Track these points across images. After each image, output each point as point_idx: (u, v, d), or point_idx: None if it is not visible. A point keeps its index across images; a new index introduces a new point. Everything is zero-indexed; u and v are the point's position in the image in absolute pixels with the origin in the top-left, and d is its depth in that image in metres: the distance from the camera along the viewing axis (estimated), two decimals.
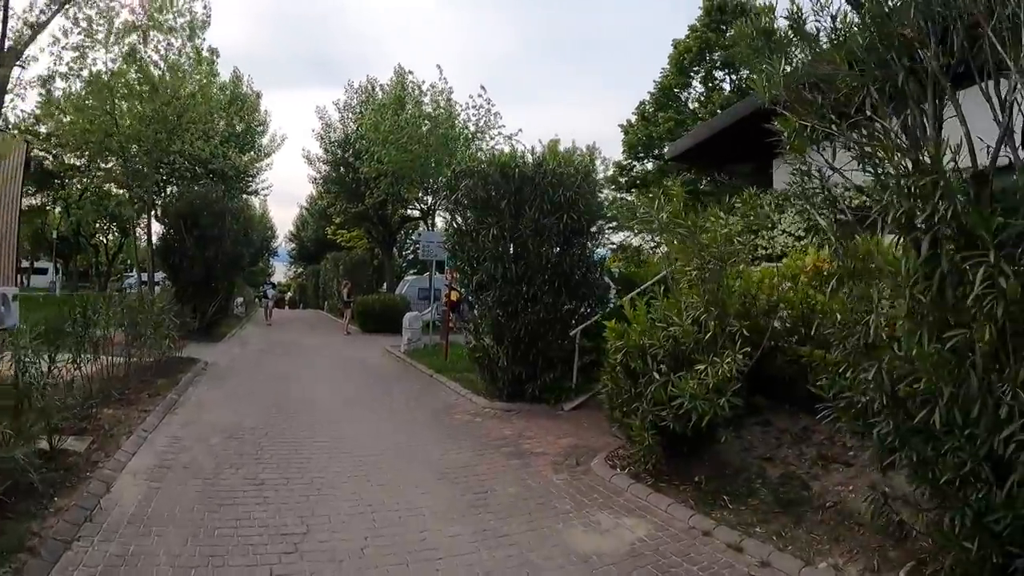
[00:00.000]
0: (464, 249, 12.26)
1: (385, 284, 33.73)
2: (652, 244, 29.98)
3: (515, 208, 11.56)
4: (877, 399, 4.57)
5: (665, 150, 28.32)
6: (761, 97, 5.29)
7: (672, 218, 8.16)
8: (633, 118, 31.75)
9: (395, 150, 23.70)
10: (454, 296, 25.83)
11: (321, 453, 8.26)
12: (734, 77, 29.02)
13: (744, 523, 6.07)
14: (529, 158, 12.13)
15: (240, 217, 21.82)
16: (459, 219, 12.37)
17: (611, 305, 12.45)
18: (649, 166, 31.53)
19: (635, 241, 31.20)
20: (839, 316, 5.13)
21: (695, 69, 29.13)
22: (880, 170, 4.76)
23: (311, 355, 18.18)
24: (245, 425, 9.43)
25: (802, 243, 13.36)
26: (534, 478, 7.68)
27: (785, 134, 5.24)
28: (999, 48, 4.07)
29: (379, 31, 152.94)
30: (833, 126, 4.94)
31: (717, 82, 29.19)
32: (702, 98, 29.71)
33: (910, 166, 4.50)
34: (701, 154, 16.77)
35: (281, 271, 79.95)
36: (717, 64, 28.88)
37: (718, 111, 26.67)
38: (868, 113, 4.71)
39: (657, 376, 7.09)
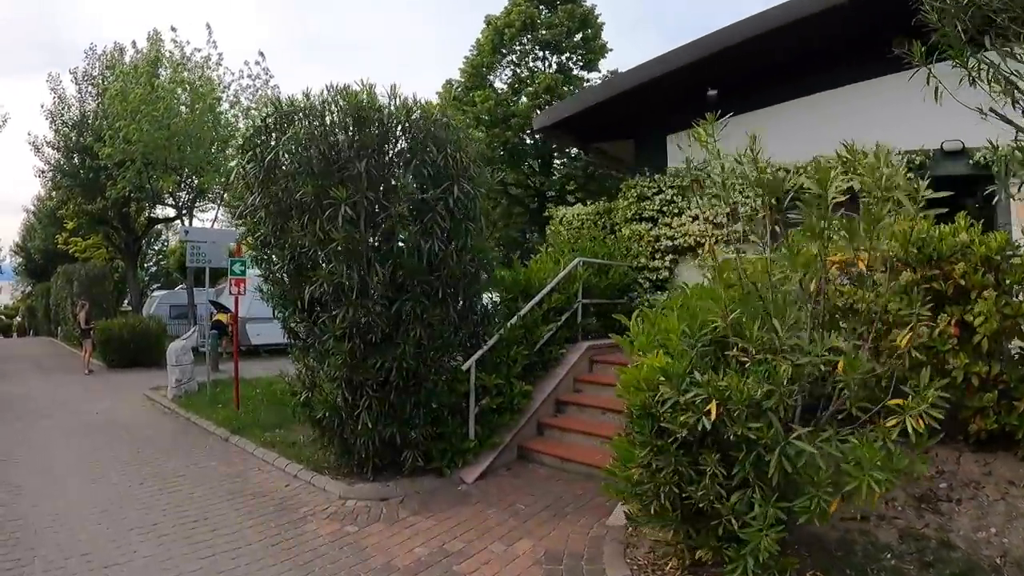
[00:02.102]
0: (285, 244, 7.33)
1: (128, 302, 26.95)
2: None
3: (378, 174, 6.91)
4: None
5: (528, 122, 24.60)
6: None
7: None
8: (436, 98, 27.44)
9: (148, 124, 17.62)
10: (221, 317, 20.46)
11: None
12: (556, 59, 25.80)
13: None
14: (386, 100, 7.36)
15: None
16: (273, 195, 7.34)
17: (501, 325, 8.59)
18: None
19: None
20: None
21: (514, 47, 25.46)
22: None
23: (40, 416, 11.85)
24: None
25: (724, 231, 10.32)
26: None
27: None
28: None
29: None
30: None
31: (531, 61, 25.68)
32: (512, 80, 26.09)
33: None
34: (574, 128, 12.99)
35: (8, 291, 66.98)
36: (538, 43, 25.40)
37: (542, 93, 23.33)
38: None
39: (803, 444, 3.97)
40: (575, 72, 25.80)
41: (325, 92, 7.29)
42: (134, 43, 20.96)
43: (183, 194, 22.51)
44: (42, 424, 11.04)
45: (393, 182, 6.91)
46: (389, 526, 6.32)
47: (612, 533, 5.78)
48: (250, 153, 7.57)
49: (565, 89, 23.48)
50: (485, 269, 8.08)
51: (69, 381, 16.47)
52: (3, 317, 56.82)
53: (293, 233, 7.09)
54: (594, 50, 25.75)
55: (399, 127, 7.17)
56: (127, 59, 22.27)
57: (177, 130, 18.09)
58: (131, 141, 18.01)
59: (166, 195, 22.39)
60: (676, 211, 11.54)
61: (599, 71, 26.13)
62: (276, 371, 15.08)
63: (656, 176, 11.80)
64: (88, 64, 24.52)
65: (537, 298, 9.02)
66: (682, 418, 4.22)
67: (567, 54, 25.70)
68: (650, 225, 11.72)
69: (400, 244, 7.12)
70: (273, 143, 7.24)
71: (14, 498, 7.12)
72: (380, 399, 7.14)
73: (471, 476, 7.66)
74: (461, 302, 7.68)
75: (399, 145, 7.13)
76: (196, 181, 21.60)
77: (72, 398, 13.68)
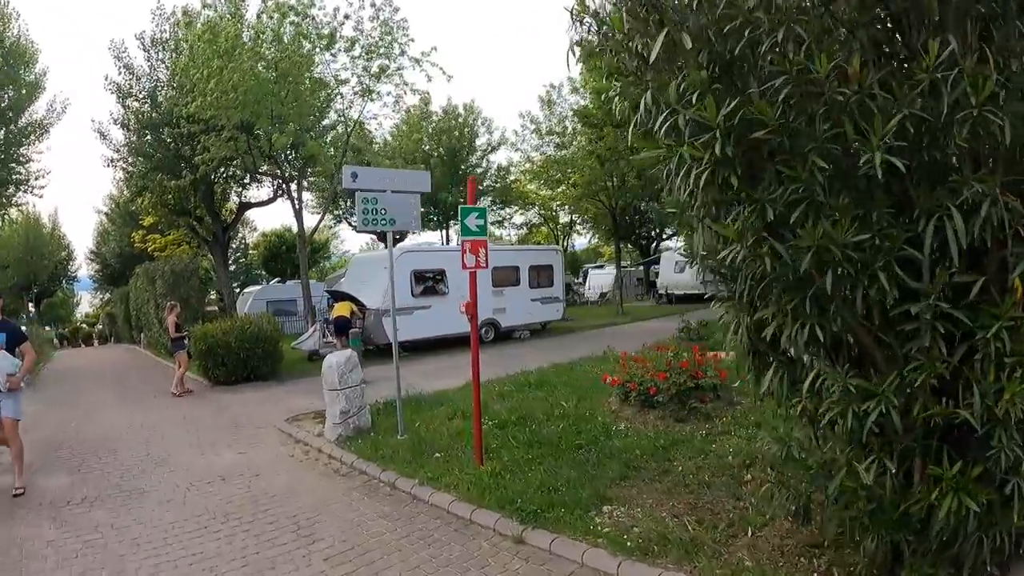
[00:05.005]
0: None
1: (212, 299, 22.15)
2: None
3: None
4: None
5: None
6: None
7: None
8: None
9: (250, 59, 12.59)
10: (344, 311, 15.47)
11: None
12: None
13: None
14: None
15: None
16: None
17: None
18: None
19: None
20: None
21: None
22: None
23: (128, 490, 6.67)
24: None
25: None
26: None
27: None
28: None
29: None
30: None
31: None
32: None
33: None
34: None
35: (87, 300, 63.79)
36: None
37: None
38: None
39: None
40: None
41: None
42: None
43: (286, 164, 17.47)
44: (135, 513, 5.85)
45: None
46: None
47: None
48: None
49: None
50: None
51: (163, 411, 11.22)
52: (84, 326, 53.51)
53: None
54: None
55: None
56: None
57: (287, 69, 13.00)
58: (227, 90, 12.96)
59: (263, 165, 17.37)
60: None
61: None
62: (447, 378, 10.38)
63: None
64: (156, 27, 19.84)
65: None
66: None
67: None
68: None
69: None
70: None
71: None
72: None
73: None
74: None
75: None
76: (298, 151, 16.69)
77: (174, 443, 8.53)
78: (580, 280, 43.03)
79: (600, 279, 40.32)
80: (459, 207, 6.08)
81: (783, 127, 3.09)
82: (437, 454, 6.66)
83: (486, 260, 6.19)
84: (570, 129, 27.53)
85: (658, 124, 3.28)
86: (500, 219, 38.25)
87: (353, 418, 7.94)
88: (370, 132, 23.56)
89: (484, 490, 5.45)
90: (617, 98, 3.81)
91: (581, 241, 52.26)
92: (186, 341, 13.28)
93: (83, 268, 49.08)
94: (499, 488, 5.46)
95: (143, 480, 6.87)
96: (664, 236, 42.09)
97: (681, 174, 3.33)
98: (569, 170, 26.26)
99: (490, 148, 35.62)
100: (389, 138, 30.74)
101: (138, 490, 6.52)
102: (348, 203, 33.81)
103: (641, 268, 42.40)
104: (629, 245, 38.06)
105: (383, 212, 7.48)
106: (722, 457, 5.99)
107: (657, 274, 35.38)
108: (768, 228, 3.22)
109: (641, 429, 7.11)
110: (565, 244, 41.93)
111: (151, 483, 6.74)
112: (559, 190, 30.49)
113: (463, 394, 9.66)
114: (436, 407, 8.89)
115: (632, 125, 3.63)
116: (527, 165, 30.92)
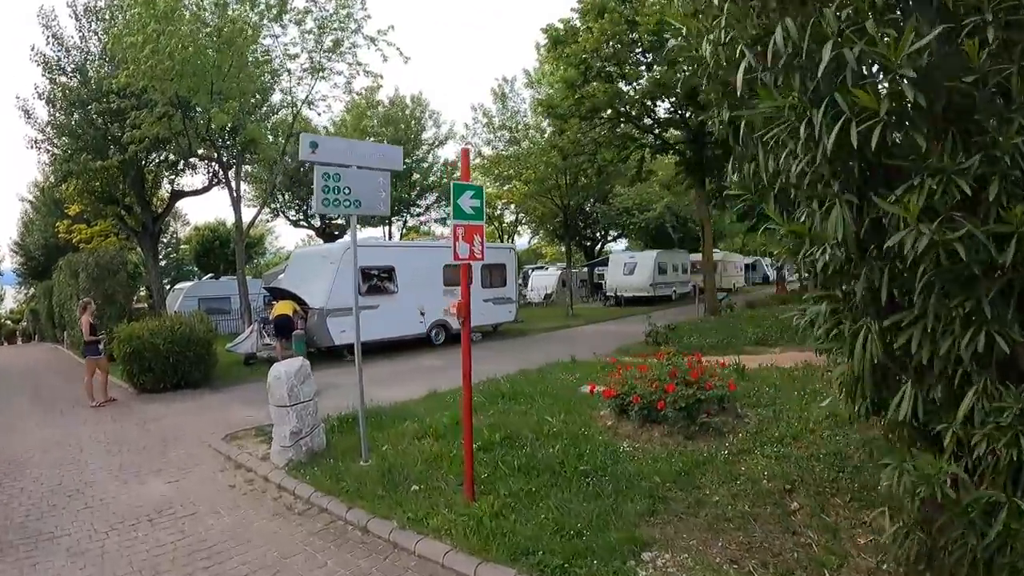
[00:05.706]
0: None
1: (139, 296, 20.26)
2: None
3: None
4: None
5: None
6: None
7: None
8: None
9: (190, 23, 11.12)
10: (285, 309, 14.08)
11: None
12: None
13: None
14: None
15: None
16: None
17: None
18: None
19: None
20: None
21: None
22: None
23: (32, 538, 5.29)
24: None
25: None
26: None
27: None
28: None
29: None
30: None
31: None
32: None
33: None
34: None
35: (11, 295, 59.55)
36: None
37: None
38: None
39: None
40: None
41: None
42: None
43: (224, 150, 15.89)
44: (42, 570, 4.52)
45: None
46: None
47: None
48: None
49: None
50: None
51: (81, 424, 9.58)
52: (9, 323, 49.89)
53: None
54: None
55: None
56: None
57: (231, 36, 11.54)
58: (163, 58, 11.40)
59: (199, 148, 15.75)
60: None
61: None
62: (403, 384, 9.28)
63: None
64: None
65: None
66: None
67: None
68: None
69: None
70: None
71: None
72: None
73: None
74: None
75: None
76: (237, 135, 15.20)
77: (93, 467, 7.09)
78: (521, 281, 41.95)
79: (543, 280, 39.33)
80: (452, 184, 4.91)
81: (985, 77, 2.16)
82: (414, 486, 5.50)
83: (482, 250, 5.05)
84: (521, 125, 26.61)
85: (823, 58, 2.26)
86: (444, 216, 37.04)
87: (306, 439, 6.69)
88: (311, 120, 22.08)
89: (487, 536, 4.34)
90: (713, 35, 2.79)
91: (521, 242, 51.43)
92: (101, 346, 11.27)
93: (7, 260, 45.75)
94: (505, 533, 4.37)
95: (53, 520, 5.50)
96: (609, 238, 41.55)
97: (834, 132, 2.31)
98: (521, 166, 25.26)
99: (437, 143, 34.39)
100: (332, 129, 29.19)
101: (46, 535, 5.15)
102: (287, 196, 32.12)
103: (585, 270, 41.68)
104: (574, 246, 37.28)
105: (347, 191, 6.25)
106: (756, 482, 5.05)
107: (602, 276, 34.72)
108: (957, 207, 2.27)
109: (649, 449, 6.12)
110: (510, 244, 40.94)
111: (62, 524, 5.37)
112: (506, 188, 29.52)
113: (428, 406, 8.52)
114: (400, 423, 7.69)
115: (740, 70, 2.61)
116: (476, 160, 29.78)
